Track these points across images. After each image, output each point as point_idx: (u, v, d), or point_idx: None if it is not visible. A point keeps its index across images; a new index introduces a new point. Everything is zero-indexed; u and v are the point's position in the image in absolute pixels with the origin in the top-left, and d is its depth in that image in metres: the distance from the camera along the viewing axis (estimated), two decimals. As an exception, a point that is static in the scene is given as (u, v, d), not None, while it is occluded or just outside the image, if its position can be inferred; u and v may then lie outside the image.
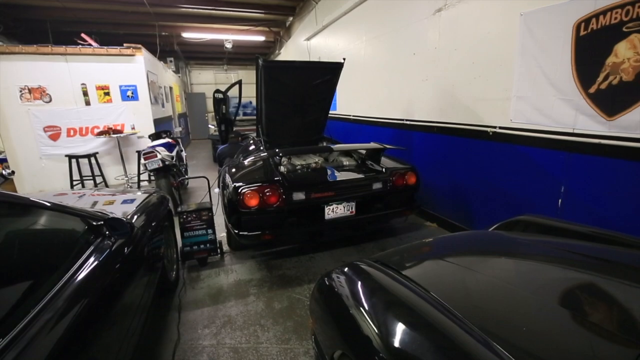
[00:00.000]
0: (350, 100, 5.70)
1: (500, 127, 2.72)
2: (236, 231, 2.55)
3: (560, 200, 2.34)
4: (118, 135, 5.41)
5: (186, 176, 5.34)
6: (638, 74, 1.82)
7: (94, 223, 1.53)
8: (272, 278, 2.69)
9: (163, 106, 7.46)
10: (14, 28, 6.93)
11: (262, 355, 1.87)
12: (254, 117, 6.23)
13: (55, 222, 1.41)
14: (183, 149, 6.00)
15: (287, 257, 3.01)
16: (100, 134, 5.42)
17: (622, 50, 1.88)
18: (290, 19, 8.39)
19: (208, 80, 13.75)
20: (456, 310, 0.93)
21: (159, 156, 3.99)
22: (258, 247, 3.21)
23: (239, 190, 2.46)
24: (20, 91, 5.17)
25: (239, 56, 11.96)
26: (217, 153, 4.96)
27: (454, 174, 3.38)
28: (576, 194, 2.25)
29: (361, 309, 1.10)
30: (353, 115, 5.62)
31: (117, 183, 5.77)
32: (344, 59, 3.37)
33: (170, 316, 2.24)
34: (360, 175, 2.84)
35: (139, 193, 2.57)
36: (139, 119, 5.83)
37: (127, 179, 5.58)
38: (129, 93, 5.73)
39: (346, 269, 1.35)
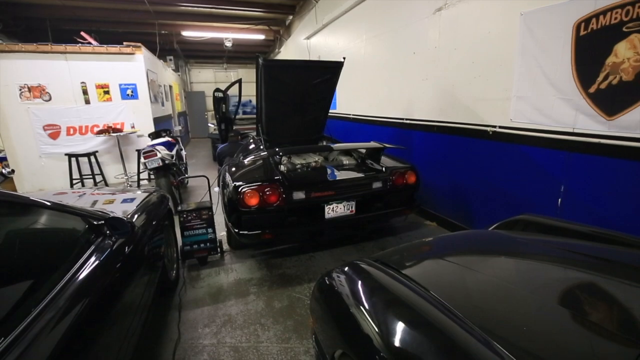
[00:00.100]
0: (350, 99, 5.70)
1: (500, 127, 2.73)
2: (236, 230, 2.56)
3: (560, 200, 2.35)
4: (118, 134, 5.41)
5: (186, 175, 5.34)
6: (638, 74, 1.82)
7: (95, 222, 1.53)
8: (272, 277, 2.69)
9: (163, 105, 7.45)
10: (14, 26, 6.92)
11: (262, 355, 1.87)
12: (254, 116, 6.22)
13: (56, 222, 1.41)
14: (183, 147, 5.99)
15: (287, 256, 3.02)
16: (100, 132, 5.41)
17: (622, 50, 1.88)
18: (290, 17, 8.38)
19: (208, 78, 13.73)
20: (456, 309, 0.94)
21: (159, 155, 3.99)
22: (258, 246, 3.22)
23: (239, 190, 2.46)
24: (20, 90, 5.15)
25: (239, 55, 11.94)
26: (217, 152, 4.95)
27: (454, 173, 3.38)
28: (576, 193, 2.25)
29: (361, 308, 1.10)
30: (353, 114, 5.61)
31: (116, 182, 5.77)
32: (344, 58, 3.37)
33: (170, 315, 2.25)
34: (360, 175, 2.84)
35: (139, 192, 2.57)
36: (138, 118, 5.82)
37: (126, 177, 5.57)
38: (129, 92, 5.72)
39: (346, 268, 1.35)
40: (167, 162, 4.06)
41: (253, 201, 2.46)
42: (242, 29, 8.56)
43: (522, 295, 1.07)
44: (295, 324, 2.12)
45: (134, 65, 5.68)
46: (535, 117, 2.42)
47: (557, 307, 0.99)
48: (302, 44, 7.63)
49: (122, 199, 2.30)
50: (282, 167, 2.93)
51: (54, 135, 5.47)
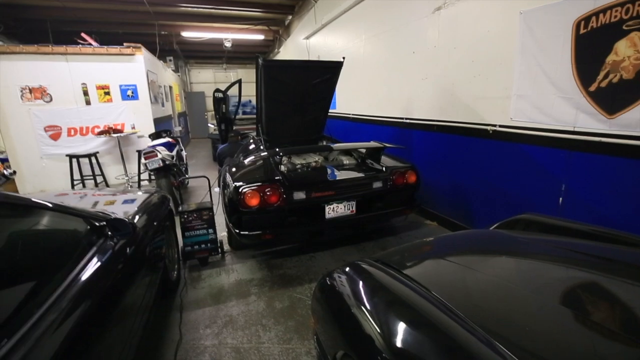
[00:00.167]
0: (349, 99, 5.69)
1: (501, 126, 2.72)
2: (237, 231, 2.56)
3: (561, 199, 2.34)
4: (118, 134, 5.42)
5: (186, 176, 5.34)
6: (638, 72, 1.82)
7: (97, 224, 1.54)
8: (273, 277, 2.69)
9: (163, 105, 7.46)
10: (15, 28, 6.93)
11: (264, 355, 1.87)
12: (254, 116, 6.22)
13: (58, 223, 1.41)
14: (183, 148, 6.00)
15: (288, 257, 3.02)
16: (100, 133, 5.42)
17: (623, 49, 1.87)
18: (290, 17, 8.38)
19: (207, 79, 13.74)
20: (458, 309, 0.94)
21: (159, 156, 3.99)
22: (259, 246, 3.22)
23: (240, 190, 2.46)
24: (21, 91, 5.17)
25: (238, 55, 11.94)
26: (217, 152, 4.96)
27: (454, 173, 3.38)
28: (577, 192, 2.25)
29: (363, 308, 1.10)
30: (353, 114, 5.61)
31: (117, 183, 5.78)
32: (344, 58, 3.37)
33: (172, 316, 2.25)
34: (361, 174, 2.84)
35: (140, 193, 2.58)
36: (139, 119, 5.83)
37: (127, 178, 5.58)
38: (129, 92, 5.73)
39: (347, 269, 1.35)
40: (167, 162, 4.07)
41: (253, 201, 2.46)
42: (242, 30, 8.56)
43: (524, 295, 1.07)
44: (296, 324, 2.12)
45: (134, 66, 5.69)
46: (535, 115, 2.42)
47: (560, 307, 0.99)
48: (301, 44, 7.63)
49: (123, 199, 2.31)
50: (282, 167, 2.93)
51: (55, 136, 5.49)
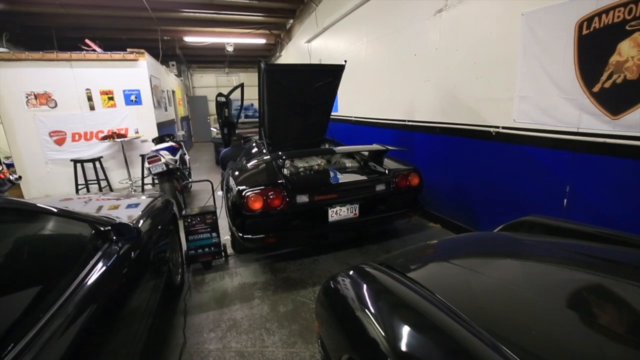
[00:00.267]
0: (351, 102, 5.71)
1: (504, 127, 2.71)
2: (240, 234, 2.56)
3: (565, 200, 2.33)
4: (122, 139, 5.46)
5: (190, 180, 5.36)
6: (642, 73, 1.81)
7: (102, 228, 1.55)
8: (276, 281, 2.69)
9: (166, 110, 7.52)
10: (21, 35, 7.03)
11: (268, 359, 1.87)
12: (256, 120, 6.24)
13: (64, 228, 1.43)
14: (186, 152, 6.03)
15: (291, 260, 3.02)
16: (104, 138, 5.47)
17: (626, 49, 1.87)
18: (291, 21, 8.43)
19: (210, 83, 13.84)
20: (463, 312, 0.93)
21: (163, 160, 4.02)
22: (262, 250, 3.22)
23: (243, 194, 2.47)
24: (27, 97, 5.23)
25: (240, 59, 12.02)
26: (220, 156, 4.98)
27: (457, 175, 3.37)
28: (582, 194, 2.23)
29: (367, 312, 1.10)
30: (355, 117, 5.62)
31: (121, 187, 5.81)
32: (345, 61, 3.38)
33: (176, 320, 2.26)
34: (363, 177, 2.84)
35: (144, 197, 2.59)
36: (142, 123, 5.88)
37: (131, 182, 5.62)
38: (133, 97, 5.78)
39: (351, 272, 1.35)
40: (171, 166, 4.09)
41: (257, 205, 2.46)
42: (244, 34, 8.62)
43: (529, 297, 1.06)
44: (300, 328, 2.12)
45: (138, 71, 5.74)
46: (539, 117, 2.41)
47: (566, 309, 0.98)
48: (303, 48, 7.67)
49: (127, 204, 2.32)
50: (285, 171, 2.93)
51: (60, 142, 5.54)
